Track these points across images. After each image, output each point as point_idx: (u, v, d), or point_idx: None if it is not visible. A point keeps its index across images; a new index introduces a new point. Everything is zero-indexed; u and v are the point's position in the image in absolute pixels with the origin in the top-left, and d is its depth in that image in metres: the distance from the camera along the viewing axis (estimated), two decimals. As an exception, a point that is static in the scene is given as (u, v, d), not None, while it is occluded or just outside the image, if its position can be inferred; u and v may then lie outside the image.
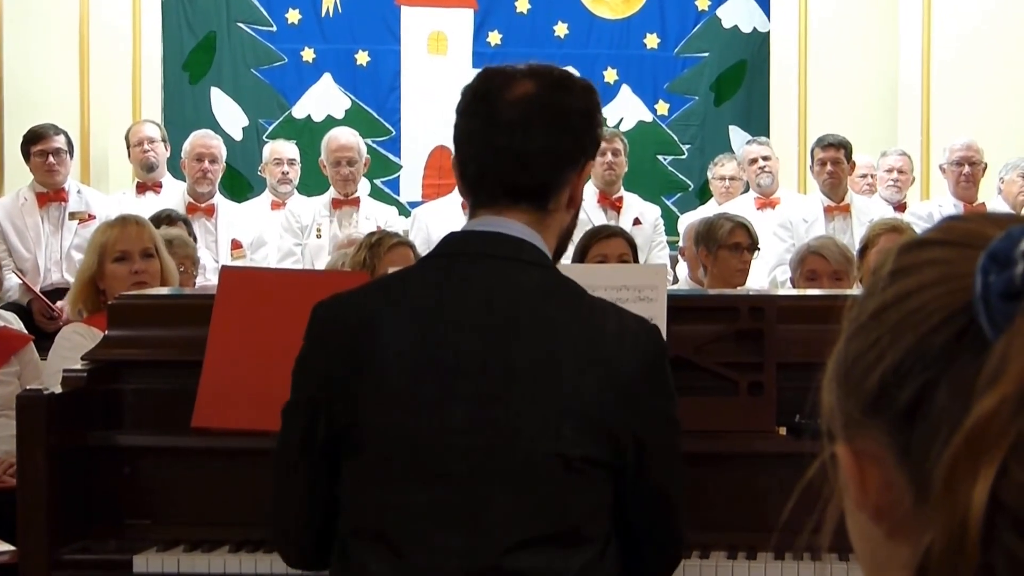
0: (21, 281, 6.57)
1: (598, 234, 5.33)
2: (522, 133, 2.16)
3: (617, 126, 8.40)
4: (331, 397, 2.13)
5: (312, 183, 7.55)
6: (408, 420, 2.09)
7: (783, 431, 3.16)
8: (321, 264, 6.54)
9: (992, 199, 7.46)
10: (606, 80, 8.71)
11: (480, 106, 2.20)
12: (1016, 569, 0.72)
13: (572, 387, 2.07)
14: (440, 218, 6.73)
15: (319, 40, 8.64)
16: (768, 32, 8.75)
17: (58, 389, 3.16)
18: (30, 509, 3.04)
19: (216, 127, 8.07)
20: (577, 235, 5.67)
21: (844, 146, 7.02)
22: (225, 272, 3.52)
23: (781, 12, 8.68)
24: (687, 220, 7.06)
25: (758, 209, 7.40)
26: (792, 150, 8.35)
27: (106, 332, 3.40)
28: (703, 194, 8.48)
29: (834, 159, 6.99)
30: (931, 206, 7.43)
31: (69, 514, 3.11)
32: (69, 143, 6.90)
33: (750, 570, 3.00)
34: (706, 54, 8.80)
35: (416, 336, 2.11)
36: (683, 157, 8.79)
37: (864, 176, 7.70)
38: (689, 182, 8.76)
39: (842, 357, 0.85)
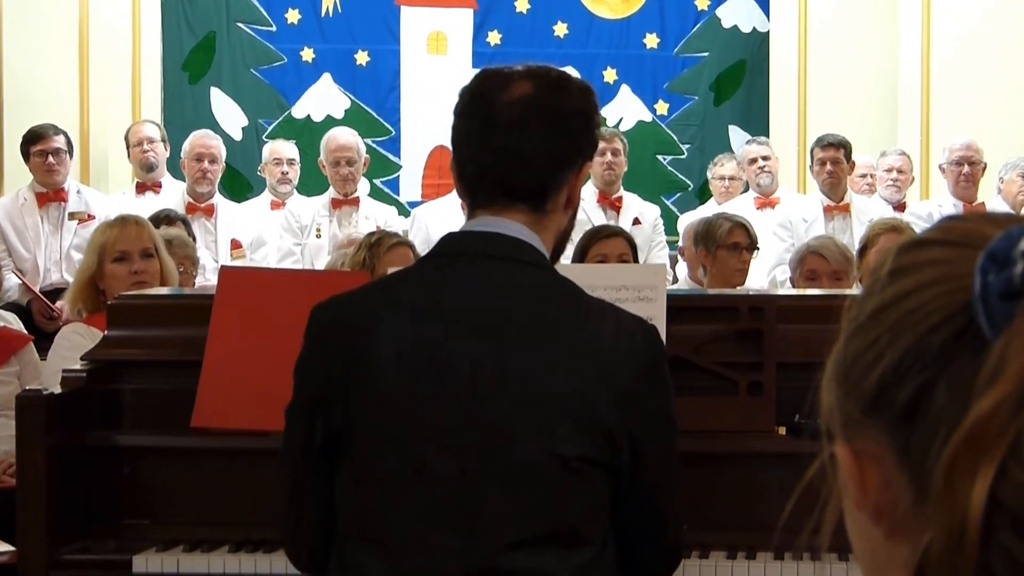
0: (21, 281, 6.57)
1: (598, 234, 5.33)
2: (520, 134, 2.16)
3: (617, 126, 8.40)
4: (329, 398, 2.13)
5: (312, 183, 7.55)
6: (403, 420, 2.09)
7: (782, 431, 3.16)
8: (321, 264, 6.54)
9: (992, 199, 7.46)
10: (606, 80, 8.71)
11: (478, 107, 2.20)
12: (1014, 568, 0.72)
13: (568, 387, 2.07)
14: (440, 218, 6.73)
15: (319, 40, 8.64)
16: (768, 32, 8.75)
17: (57, 389, 3.16)
18: (29, 509, 3.04)
19: (216, 127, 8.07)
20: (577, 235, 5.68)
21: (844, 146, 7.02)
22: (224, 272, 3.52)
23: (781, 12, 8.68)
24: (687, 220, 7.05)
25: (758, 209, 7.40)
26: (792, 150, 8.35)
27: (105, 332, 3.40)
28: (703, 194, 8.48)
29: (834, 159, 6.99)
30: (931, 206, 7.43)
31: (68, 514, 3.11)
32: (69, 143, 6.90)
33: (749, 570, 3.00)
34: (706, 54, 8.80)
35: (413, 336, 2.11)
36: (683, 157, 8.80)
37: (864, 176, 7.70)
38: (689, 182, 8.76)
39: (841, 357, 0.85)
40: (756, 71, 8.79)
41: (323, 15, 8.63)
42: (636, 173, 7.87)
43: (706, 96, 8.81)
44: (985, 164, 7.39)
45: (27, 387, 3.58)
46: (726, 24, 8.80)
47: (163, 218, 5.91)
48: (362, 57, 8.65)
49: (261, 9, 8.59)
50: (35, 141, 6.80)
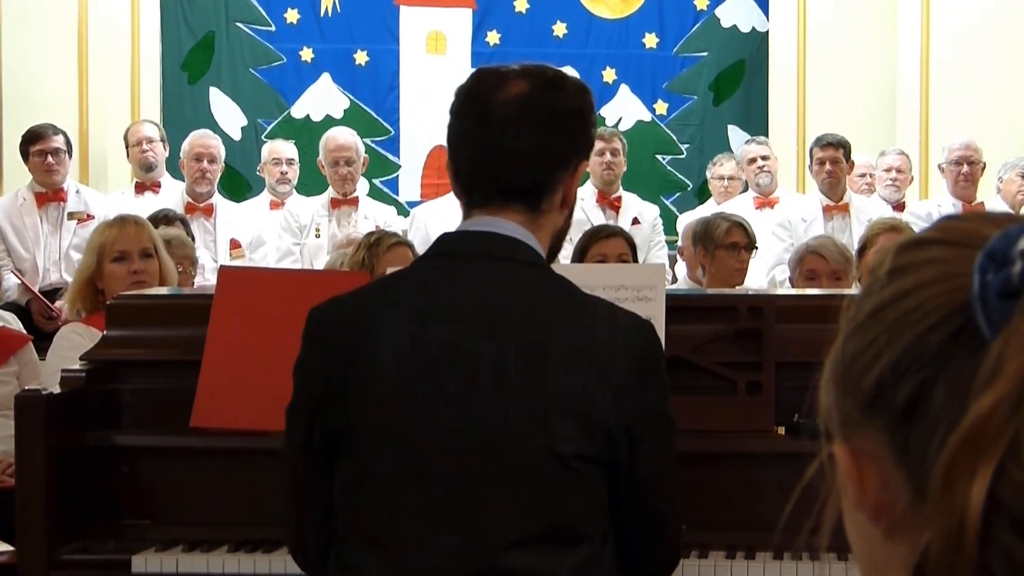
0: (20, 281, 6.57)
1: (597, 234, 5.33)
2: (515, 132, 2.16)
3: (616, 126, 8.40)
4: (328, 399, 2.13)
5: (311, 183, 7.55)
6: (400, 420, 2.10)
7: (782, 431, 3.16)
8: (320, 264, 6.54)
9: (991, 198, 7.46)
10: (605, 80, 8.71)
11: (473, 106, 2.20)
12: (1013, 568, 0.72)
13: (565, 384, 2.07)
14: (439, 218, 6.73)
15: (318, 40, 8.64)
16: (767, 32, 8.75)
17: (57, 389, 3.16)
18: (29, 509, 3.04)
19: (215, 127, 8.07)
20: (576, 235, 5.68)
21: (843, 145, 7.02)
22: (224, 272, 3.53)
23: (780, 12, 8.68)
24: (686, 220, 7.06)
25: (757, 209, 7.40)
26: (791, 150, 8.35)
27: (105, 332, 3.40)
28: (702, 194, 8.48)
29: (833, 158, 6.99)
30: (930, 205, 7.43)
31: (68, 514, 3.11)
32: (68, 143, 6.90)
33: (749, 570, 3.00)
34: (705, 54, 8.80)
35: (409, 337, 2.11)
36: (682, 157, 8.80)
37: (863, 175, 7.70)
38: (688, 182, 8.76)
39: (840, 357, 0.85)
40: (755, 71, 8.79)
41: (322, 15, 8.63)
42: (635, 173, 7.87)
43: (705, 96, 8.81)
44: (984, 164, 7.39)
45: (26, 387, 3.58)
46: (725, 24, 8.80)
47: (162, 218, 5.91)
48: (361, 57, 8.66)
49: (260, 9, 8.59)
50: (34, 141, 6.80)
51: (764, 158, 7.58)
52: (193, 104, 8.51)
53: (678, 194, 8.71)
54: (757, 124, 8.62)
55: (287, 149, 7.57)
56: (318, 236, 6.98)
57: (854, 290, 3.80)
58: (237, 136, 8.50)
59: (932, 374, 0.78)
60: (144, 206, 6.60)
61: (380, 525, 2.10)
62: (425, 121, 8.43)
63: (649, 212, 7.33)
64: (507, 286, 2.15)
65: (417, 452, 2.09)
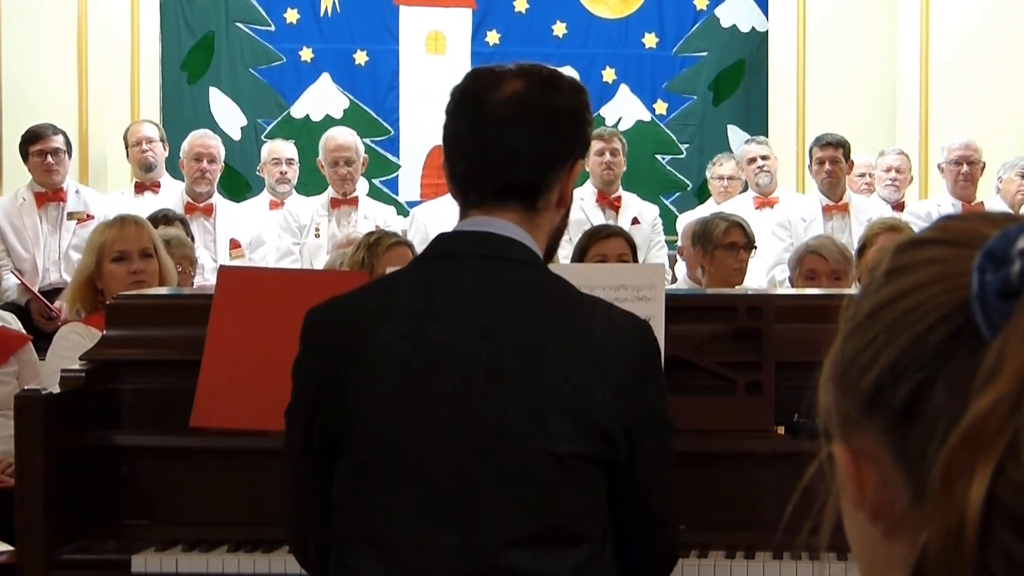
0: (19, 281, 6.57)
1: (597, 234, 5.33)
2: (511, 130, 2.16)
3: (615, 126, 8.40)
4: (326, 400, 2.14)
5: (311, 183, 7.54)
6: (398, 420, 2.10)
7: (781, 430, 3.16)
8: (320, 264, 6.54)
9: (990, 198, 7.46)
10: (604, 80, 8.71)
11: (469, 106, 2.20)
12: (1012, 567, 0.72)
13: (561, 384, 2.07)
14: (438, 218, 6.72)
15: (317, 40, 8.64)
16: (766, 31, 8.75)
17: (56, 389, 3.16)
18: (28, 509, 3.04)
19: (214, 127, 8.07)
20: (576, 235, 5.68)
21: (842, 145, 7.02)
22: (223, 272, 3.53)
23: (779, 11, 8.68)
24: (685, 219, 7.05)
25: (756, 208, 7.40)
26: (790, 149, 8.35)
27: (104, 332, 3.40)
28: (701, 193, 8.48)
29: (832, 158, 6.99)
30: (929, 205, 7.43)
31: (67, 514, 3.11)
32: (67, 143, 6.90)
33: (748, 569, 3.00)
34: (704, 53, 8.80)
35: (406, 337, 2.12)
36: (681, 156, 8.80)
37: (862, 175, 7.70)
38: (688, 181, 8.76)
39: (839, 357, 0.85)
40: (755, 71, 8.79)
41: (322, 15, 8.63)
42: (635, 173, 7.87)
43: (705, 96, 8.81)
44: (984, 164, 7.39)
45: (26, 387, 3.58)
46: (725, 24, 8.80)
47: (162, 218, 5.91)
48: (361, 57, 8.65)
49: (260, 9, 8.59)
50: (34, 141, 6.79)
51: (764, 158, 7.58)
52: (193, 104, 8.51)
53: (678, 194, 8.71)
54: (757, 124, 8.62)
55: (287, 149, 7.57)
56: (318, 236, 6.98)
57: (854, 290, 3.80)
58: (237, 136, 8.50)
59: (931, 374, 0.78)
60: (144, 206, 6.60)
61: (379, 525, 2.10)
62: (425, 121, 8.43)
63: (649, 212, 7.33)
64: (504, 286, 2.15)
65: (415, 452, 2.09)
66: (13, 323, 4.93)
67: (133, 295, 3.58)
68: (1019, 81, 7.97)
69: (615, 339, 2.11)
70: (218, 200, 7.12)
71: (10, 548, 3.53)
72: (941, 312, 0.79)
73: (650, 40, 8.78)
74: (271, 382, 2.56)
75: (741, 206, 7.20)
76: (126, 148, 7.36)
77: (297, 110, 8.62)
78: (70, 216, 6.84)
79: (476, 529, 2.07)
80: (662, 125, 8.79)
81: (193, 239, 6.09)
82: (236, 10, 8.57)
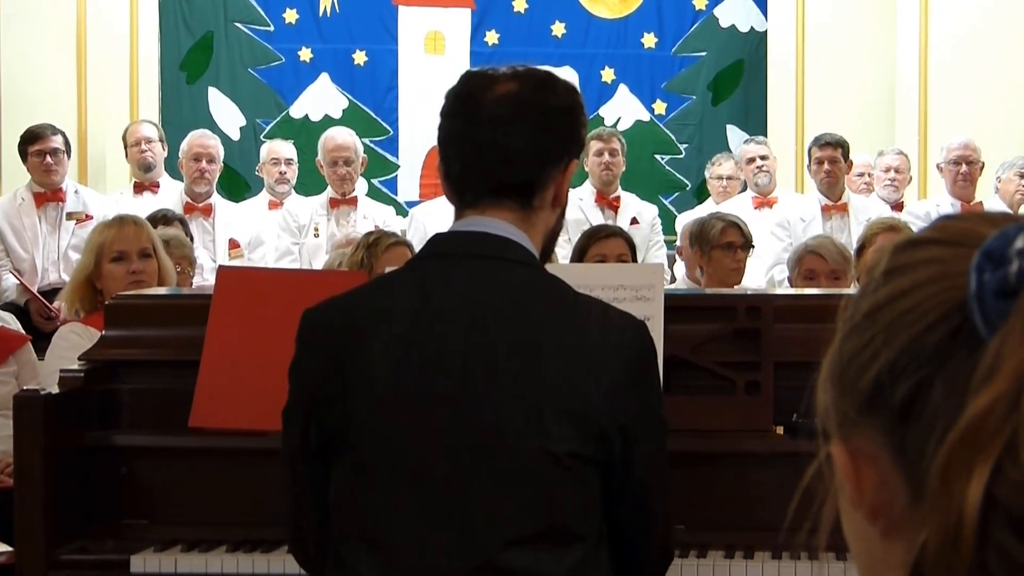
0: (18, 281, 6.57)
1: (597, 234, 5.34)
2: (505, 129, 2.16)
3: (614, 125, 8.40)
4: (322, 400, 2.14)
5: (310, 183, 7.54)
6: (395, 421, 2.10)
7: (780, 430, 3.16)
8: (319, 264, 6.54)
9: (989, 198, 7.46)
10: (603, 80, 8.71)
11: (463, 106, 2.21)
12: (1010, 567, 0.72)
13: (557, 383, 2.07)
14: (437, 218, 6.72)
15: (316, 40, 8.64)
16: (765, 31, 8.75)
17: (55, 389, 3.16)
18: (27, 509, 3.04)
19: (213, 127, 8.07)
20: (575, 235, 5.68)
21: (841, 145, 7.02)
22: (222, 272, 3.52)
23: (778, 11, 8.68)
24: (684, 219, 7.05)
25: (756, 208, 7.40)
26: (789, 149, 8.35)
27: (103, 332, 3.40)
28: (701, 193, 8.48)
29: (831, 158, 6.99)
30: (928, 205, 7.44)
31: (66, 514, 3.11)
32: (67, 143, 6.90)
33: (747, 569, 3.01)
34: (703, 53, 8.80)
35: (402, 338, 2.12)
36: (681, 156, 8.80)
37: (861, 175, 7.70)
38: (687, 181, 8.76)
39: (837, 357, 0.86)
40: (754, 71, 8.79)
41: (321, 15, 8.63)
42: (634, 173, 7.87)
43: (704, 96, 8.81)
44: (983, 163, 7.39)
45: (25, 387, 3.58)
46: (724, 24, 8.80)
47: (161, 218, 5.91)
48: (360, 57, 8.65)
49: (259, 9, 8.59)
50: (33, 141, 6.79)
51: (763, 158, 7.58)
52: (192, 104, 8.51)
53: (677, 194, 8.71)
54: (756, 124, 8.62)
55: (286, 149, 7.57)
56: (317, 236, 6.98)
57: (852, 290, 3.80)
58: (236, 136, 8.50)
59: (929, 373, 0.78)
60: (143, 206, 6.60)
61: (377, 525, 2.10)
62: (424, 121, 8.42)
63: (648, 212, 7.33)
64: (499, 286, 2.15)
65: (412, 452, 2.09)
66: (12, 323, 4.93)
67: (132, 295, 3.58)
68: (1018, 81, 7.97)
69: (611, 339, 2.12)
70: (217, 200, 7.11)
71: (9, 549, 3.53)
72: (939, 312, 0.79)
73: (649, 40, 8.78)
74: (270, 382, 2.56)
75: (740, 206, 7.20)
76: (125, 148, 7.36)
77: (296, 110, 8.61)
78: (69, 216, 6.84)
79: (474, 529, 2.07)
80: (661, 125, 8.79)
81: (192, 239, 6.09)
82: (235, 10, 8.57)
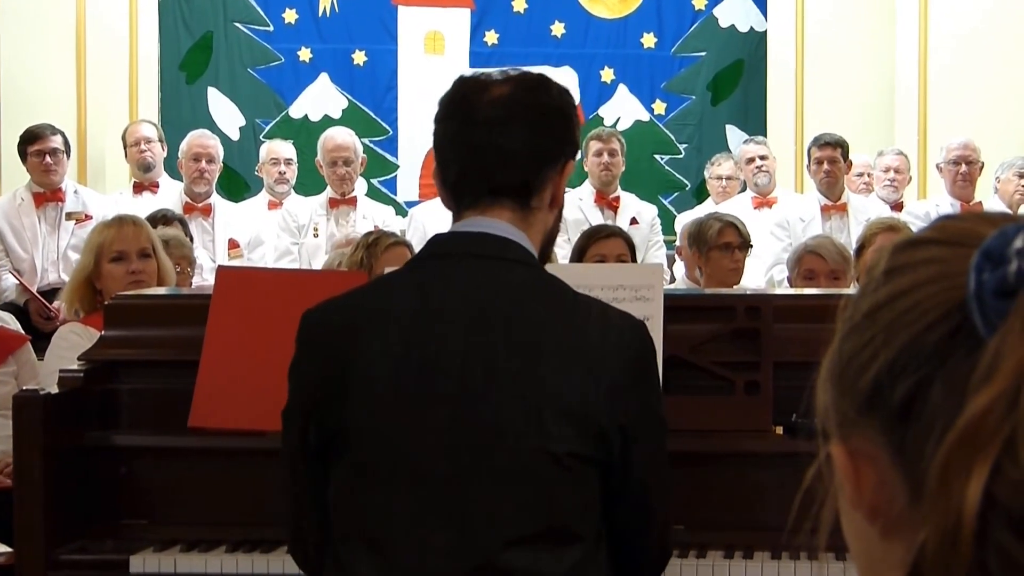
0: (18, 281, 6.57)
1: (596, 234, 5.34)
2: (501, 130, 2.17)
3: (614, 125, 8.40)
4: (322, 401, 2.14)
5: (309, 183, 7.54)
6: (394, 421, 2.10)
7: (779, 430, 3.16)
8: (318, 264, 6.54)
9: (989, 198, 7.47)
10: (603, 80, 8.71)
11: (458, 109, 2.21)
12: (1009, 566, 0.72)
13: (557, 383, 2.08)
14: (437, 218, 6.71)
15: (316, 40, 8.64)
16: (765, 31, 8.75)
17: (55, 389, 3.16)
18: (27, 509, 3.04)
19: (213, 127, 8.07)
20: (575, 235, 5.68)
21: (841, 145, 7.02)
22: (222, 272, 3.52)
23: (778, 11, 8.68)
24: (684, 219, 7.05)
25: (755, 208, 7.40)
26: (789, 149, 8.35)
27: (103, 332, 3.40)
28: (700, 193, 8.48)
29: (831, 158, 6.99)
30: (928, 205, 7.44)
31: (66, 514, 3.11)
32: (66, 143, 6.90)
33: (746, 569, 3.01)
34: (703, 53, 8.80)
35: (401, 338, 2.12)
36: (680, 156, 8.80)
37: (861, 175, 7.70)
38: (686, 181, 8.76)
39: (837, 356, 0.86)
40: (753, 71, 8.79)
41: (320, 15, 8.63)
42: (633, 173, 7.87)
43: (703, 96, 8.81)
44: (982, 164, 7.40)
45: (24, 387, 3.58)
46: (723, 24, 8.81)
47: (160, 218, 5.91)
48: (359, 57, 8.66)
49: (258, 9, 8.59)
50: (32, 141, 6.79)
51: (762, 158, 7.58)
52: (191, 104, 8.51)
53: (676, 194, 8.71)
54: (755, 124, 8.62)
55: (285, 149, 7.57)
56: (316, 236, 6.98)
57: (852, 290, 3.80)
58: (235, 136, 8.50)
59: (929, 373, 0.78)
60: (142, 206, 6.60)
61: (376, 526, 2.10)
62: (423, 121, 8.32)
63: (647, 212, 7.33)
64: (499, 286, 2.15)
65: (412, 452, 2.09)
66: (12, 323, 4.93)
67: (131, 295, 3.58)
68: (1017, 81, 7.98)
69: (611, 339, 2.12)
70: (216, 200, 7.11)
71: (8, 550, 3.52)
72: (939, 311, 0.79)
73: (648, 40, 8.78)
74: (269, 382, 2.56)
75: (739, 206, 7.20)
76: (124, 148, 7.36)
77: (296, 110, 8.62)
78: (69, 216, 6.83)
79: (474, 529, 2.07)
80: (660, 125, 8.80)
81: (192, 239, 6.09)
82: (234, 10, 8.57)
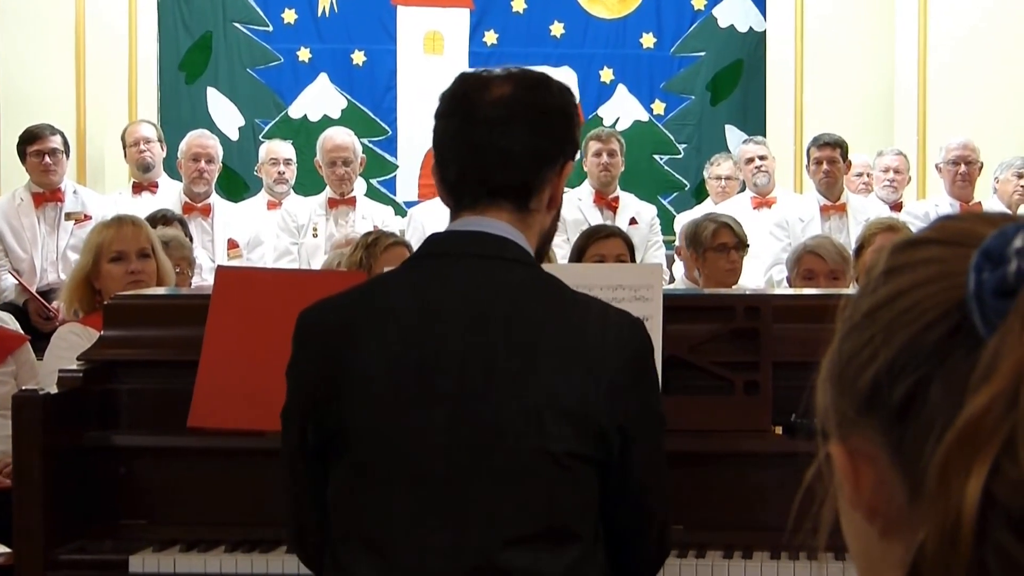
0: (17, 281, 6.57)
1: (595, 234, 5.34)
2: (501, 130, 2.16)
3: (613, 126, 8.40)
4: (319, 401, 2.14)
5: (308, 183, 7.54)
6: (392, 421, 2.10)
7: (779, 430, 3.16)
8: (317, 264, 6.54)
9: (988, 198, 7.47)
10: (602, 80, 8.71)
11: (458, 107, 2.21)
12: (1009, 566, 0.72)
13: (555, 382, 2.07)
14: (436, 218, 6.72)
15: (315, 40, 8.64)
16: (764, 31, 8.75)
17: (54, 389, 3.16)
18: (26, 509, 3.04)
19: (212, 127, 8.07)
20: (574, 235, 5.68)
21: (840, 145, 7.02)
22: (221, 272, 3.52)
23: (777, 11, 8.68)
24: (683, 220, 7.05)
25: (754, 208, 7.40)
26: (788, 149, 8.35)
27: (102, 332, 3.40)
28: (699, 193, 8.48)
29: (830, 158, 6.99)
30: (927, 205, 7.44)
31: (65, 514, 3.11)
32: (65, 143, 6.90)
33: (746, 569, 3.01)
34: (702, 53, 8.80)
35: (400, 338, 2.12)
36: (679, 156, 8.80)
37: (860, 175, 7.71)
38: (685, 181, 8.76)
39: (836, 356, 0.86)
40: (753, 71, 8.79)
41: (319, 15, 8.63)
42: (633, 173, 7.87)
43: (703, 96, 8.81)
44: (982, 164, 7.40)
45: (24, 387, 3.58)
46: (723, 24, 8.80)
47: (160, 218, 5.91)
48: (359, 57, 8.65)
49: (257, 9, 8.59)
50: (32, 141, 6.79)
51: (762, 158, 7.58)
52: (191, 104, 8.51)
53: (675, 194, 8.71)
54: (754, 124, 8.63)
55: (284, 149, 7.57)
56: (315, 236, 6.98)
57: (851, 290, 3.80)
58: (235, 136, 8.50)
59: (928, 373, 0.78)
60: (142, 206, 6.60)
61: (375, 526, 2.10)
62: (423, 121, 8.32)
63: (647, 212, 7.33)
64: (497, 285, 2.15)
65: (411, 452, 2.09)
66: (11, 323, 4.93)
67: (131, 295, 3.58)
68: (1017, 81, 7.98)
69: (609, 338, 2.11)
70: (216, 200, 7.12)
71: (7, 550, 3.52)
72: (938, 311, 0.79)
73: (648, 40, 8.78)
74: (269, 382, 2.56)
75: (739, 206, 7.20)
76: (124, 148, 7.36)
77: (295, 110, 8.61)
78: (68, 216, 6.84)
79: (474, 529, 2.07)
80: (660, 125, 8.79)
81: (191, 239, 6.09)
82: (234, 10, 8.57)
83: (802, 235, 6.38)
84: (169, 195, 7.09)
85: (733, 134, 8.67)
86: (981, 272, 0.77)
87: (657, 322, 3.02)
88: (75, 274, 4.31)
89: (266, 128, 8.49)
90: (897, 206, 7.49)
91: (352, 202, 7.09)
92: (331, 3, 8.60)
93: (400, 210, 8.04)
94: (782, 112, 8.60)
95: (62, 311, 4.83)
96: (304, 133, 8.30)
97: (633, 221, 7.09)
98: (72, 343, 3.92)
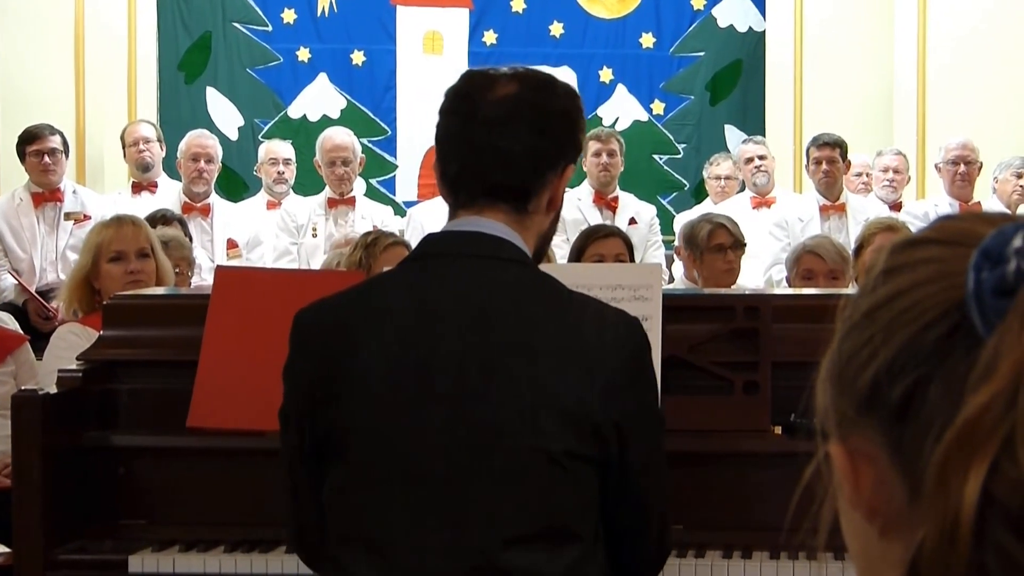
0: (17, 281, 6.57)
1: (595, 234, 5.34)
2: (503, 131, 2.16)
3: (613, 126, 8.41)
4: (317, 402, 2.13)
5: (308, 183, 7.55)
6: (388, 422, 2.09)
7: (778, 430, 3.16)
8: (317, 264, 6.54)
9: (988, 198, 7.47)
10: (602, 80, 8.71)
11: (461, 105, 2.20)
12: (1008, 565, 0.72)
13: (553, 382, 2.07)
14: (435, 218, 6.72)
15: (315, 40, 8.64)
16: (763, 31, 8.76)
17: (53, 389, 3.16)
18: (25, 509, 3.04)
19: (212, 127, 8.07)
20: (573, 235, 5.68)
21: (840, 145, 7.02)
22: (220, 272, 3.52)
23: (777, 11, 8.69)
24: (683, 220, 7.05)
25: (754, 208, 7.40)
26: (788, 149, 8.35)
27: (101, 332, 3.40)
28: (699, 193, 8.48)
29: (830, 158, 6.99)
30: (927, 205, 7.44)
31: (65, 514, 3.11)
32: (65, 143, 6.90)
33: (745, 569, 3.01)
34: (702, 53, 8.80)
35: (397, 338, 2.11)
36: (679, 156, 8.80)
37: (859, 175, 7.71)
38: (685, 181, 8.76)
39: (836, 356, 0.86)
40: (752, 70, 8.79)
41: (319, 15, 8.63)
42: (632, 173, 7.87)
43: (702, 96, 8.81)
44: (981, 164, 7.40)
45: (23, 387, 3.58)
46: (722, 24, 8.81)
47: (159, 218, 5.91)
48: (358, 57, 8.66)
49: (257, 9, 8.59)
50: (31, 141, 6.79)
51: (761, 158, 7.58)
52: (190, 104, 8.51)
53: (675, 194, 8.72)
54: (754, 124, 8.63)
55: (284, 149, 7.57)
56: (315, 236, 6.98)
57: (851, 290, 3.81)
58: (234, 136, 8.50)
59: (927, 372, 0.78)
60: (141, 206, 6.60)
61: (374, 526, 2.10)
62: (422, 121, 8.41)
63: (646, 212, 7.33)
64: (494, 285, 2.15)
65: (410, 453, 2.09)
66: (10, 323, 4.94)
67: (130, 295, 3.58)
68: (1016, 81, 7.98)
69: (607, 337, 2.11)
70: (215, 200, 7.11)
71: (7, 550, 3.52)
72: (938, 311, 0.79)
73: (647, 40, 8.78)
74: (268, 382, 2.56)
75: (738, 206, 7.20)
76: (123, 148, 7.36)
77: (294, 110, 8.62)
78: (67, 216, 6.83)
79: (473, 529, 2.06)
80: (659, 125, 8.80)
81: (191, 239, 6.09)
82: (233, 10, 8.57)
83: (801, 235, 6.38)
84: (168, 195, 7.09)
85: (732, 134, 8.67)
86: (980, 272, 0.77)
87: (656, 322, 3.02)
88: (74, 274, 4.31)
89: (265, 128, 8.50)
90: (896, 206, 7.49)
91: (351, 202, 7.09)
92: (330, 3, 8.60)
93: (399, 210, 8.04)
94: (781, 112, 8.61)
95: (61, 311, 4.83)
96: (303, 133, 8.30)
97: (632, 221, 7.09)
98: (71, 343, 3.92)
